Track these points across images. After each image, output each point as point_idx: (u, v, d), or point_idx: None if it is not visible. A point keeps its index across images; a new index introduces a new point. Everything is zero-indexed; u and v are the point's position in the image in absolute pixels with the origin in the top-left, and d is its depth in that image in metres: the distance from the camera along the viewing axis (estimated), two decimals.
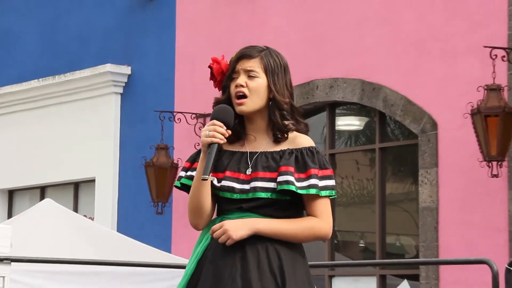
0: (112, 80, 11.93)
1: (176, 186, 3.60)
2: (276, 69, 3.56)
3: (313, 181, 3.45)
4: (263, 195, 3.45)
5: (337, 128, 10.38)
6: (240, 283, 3.40)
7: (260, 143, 3.54)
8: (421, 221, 9.24)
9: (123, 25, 12.11)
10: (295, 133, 3.53)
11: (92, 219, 11.56)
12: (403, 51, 9.50)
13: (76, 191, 12.51)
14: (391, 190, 9.93)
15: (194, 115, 11.14)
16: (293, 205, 3.49)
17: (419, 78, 9.38)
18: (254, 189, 3.46)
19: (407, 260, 9.72)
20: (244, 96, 3.51)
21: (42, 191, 12.76)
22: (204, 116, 11.10)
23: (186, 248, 10.94)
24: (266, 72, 3.54)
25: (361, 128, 10.44)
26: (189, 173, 3.57)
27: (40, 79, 12.54)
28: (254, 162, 3.50)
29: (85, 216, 11.02)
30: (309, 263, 3.61)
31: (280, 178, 3.44)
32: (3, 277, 7.06)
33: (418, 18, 9.43)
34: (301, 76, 10.21)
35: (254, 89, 3.51)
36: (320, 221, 3.48)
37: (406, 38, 9.49)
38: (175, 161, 11.09)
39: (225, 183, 3.49)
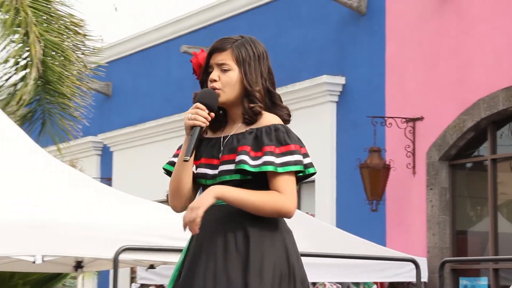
0: (328, 90, 12.08)
1: (164, 173, 3.46)
2: (248, 59, 3.33)
3: (267, 158, 3.20)
4: (227, 177, 3.24)
5: None
6: (205, 263, 3.21)
7: (234, 128, 3.34)
8: None
9: (337, 39, 12.23)
10: (264, 114, 3.32)
11: (313, 215, 11.73)
12: None
13: (299, 190, 12.54)
14: None
15: (404, 120, 11.14)
16: (261, 185, 3.23)
17: None
18: (220, 173, 3.26)
19: None
20: (216, 89, 3.32)
21: None
22: (413, 120, 11.08)
23: (400, 242, 10.96)
24: (237, 63, 3.33)
25: None
26: (171, 159, 3.41)
27: None
28: (224, 146, 3.31)
29: (307, 213, 11.23)
30: None
31: (236, 158, 3.23)
32: None
33: None
34: (508, 79, 9.97)
35: (226, 83, 3.31)
36: (283, 196, 3.20)
37: None
38: (387, 162, 11.14)
39: (199, 170, 3.31)
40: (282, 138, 3.26)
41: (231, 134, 3.32)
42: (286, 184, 3.22)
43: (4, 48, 10.25)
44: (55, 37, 10.22)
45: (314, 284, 10.43)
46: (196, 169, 3.31)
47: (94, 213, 6.70)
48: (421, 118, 11.06)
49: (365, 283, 10.28)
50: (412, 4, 11.28)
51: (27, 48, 10.09)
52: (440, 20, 10.89)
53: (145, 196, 8.30)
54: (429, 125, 10.97)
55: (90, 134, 16.53)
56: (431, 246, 10.74)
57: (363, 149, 11.28)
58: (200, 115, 3.24)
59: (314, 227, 9.78)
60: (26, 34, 10.04)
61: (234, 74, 3.33)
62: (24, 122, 10.63)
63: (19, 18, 10.04)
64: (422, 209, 10.92)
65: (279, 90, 13.91)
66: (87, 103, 10.89)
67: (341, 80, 12.08)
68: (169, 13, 15.66)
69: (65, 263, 7.95)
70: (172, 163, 3.39)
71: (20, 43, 10.16)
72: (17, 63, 10.27)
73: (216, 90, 3.31)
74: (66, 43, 10.40)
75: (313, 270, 9.24)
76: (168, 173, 3.40)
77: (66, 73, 10.37)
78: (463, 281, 10.63)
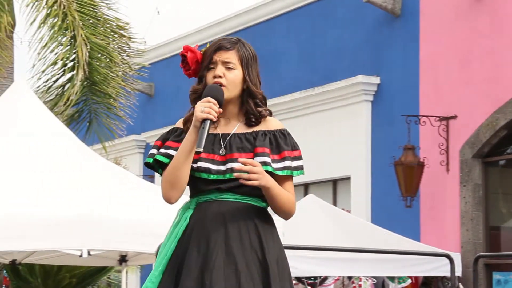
0: (363, 89, 12.08)
1: (148, 163, 3.35)
2: (250, 61, 3.34)
3: (287, 163, 3.28)
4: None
5: None
6: (223, 257, 3.19)
7: (231, 126, 3.33)
8: None
9: (372, 40, 12.24)
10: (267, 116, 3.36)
11: (349, 212, 11.74)
12: None
13: (335, 187, 12.72)
14: None
15: (437, 118, 11.11)
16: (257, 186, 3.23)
17: None
18: (231, 170, 3.23)
19: None
20: (221, 86, 3.29)
21: (306, 188, 13.05)
22: (447, 118, 11.04)
23: (434, 237, 10.93)
24: (241, 63, 3.32)
25: None
26: (162, 150, 3.34)
27: (302, 91, 12.89)
28: (227, 143, 3.29)
29: (343, 209, 11.23)
30: None
31: (257, 159, 3.23)
32: None
33: None
34: None
35: (231, 80, 3.29)
36: (293, 197, 3.31)
37: None
38: (421, 160, 11.11)
39: (201, 164, 3.27)
40: (293, 144, 3.34)
41: (232, 132, 3.31)
42: (292, 186, 3.31)
43: (53, 50, 10.38)
44: (101, 40, 10.33)
45: (350, 278, 10.44)
46: (195, 163, 3.27)
47: (138, 209, 6.75)
48: (454, 117, 11.03)
49: (399, 277, 10.27)
50: (446, 5, 11.25)
51: (74, 51, 10.21)
52: (473, 20, 10.85)
53: (186, 192, 8.35)
54: (462, 124, 10.93)
55: (134, 133, 16.66)
56: (465, 242, 10.71)
57: (397, 146, 11.25)
58: (213, 109, 3.21)
59: (350, 223, 9.79)
60: (73, 37, 10.16)
61: (238, 73, 3.32)
62: (72, 121, 10.76)
63: (66, 22, 10.16)
64: (456, 205, 10.88)
65: (316, 90, 13.96)
66: (131, 103, 10.98)
67: (376, 80, 12.08)
68: (209, 15, 15.72)
69: (110, 257, 8.04)
70: (167, 155, 3.32)
71: (68, 46, 10.28)
72: (64, 65, 10.40)
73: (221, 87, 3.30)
74: (111, 46, 10.50)
75: (349, 264, 9.26)
76: (159, 164, 3.33)
77: (111, 74, 10.48)
78: (496, 276, 10.59)
